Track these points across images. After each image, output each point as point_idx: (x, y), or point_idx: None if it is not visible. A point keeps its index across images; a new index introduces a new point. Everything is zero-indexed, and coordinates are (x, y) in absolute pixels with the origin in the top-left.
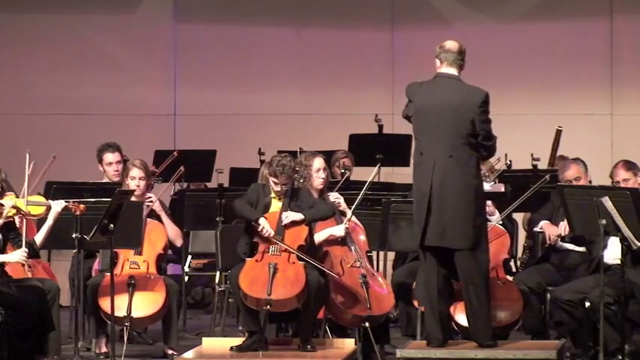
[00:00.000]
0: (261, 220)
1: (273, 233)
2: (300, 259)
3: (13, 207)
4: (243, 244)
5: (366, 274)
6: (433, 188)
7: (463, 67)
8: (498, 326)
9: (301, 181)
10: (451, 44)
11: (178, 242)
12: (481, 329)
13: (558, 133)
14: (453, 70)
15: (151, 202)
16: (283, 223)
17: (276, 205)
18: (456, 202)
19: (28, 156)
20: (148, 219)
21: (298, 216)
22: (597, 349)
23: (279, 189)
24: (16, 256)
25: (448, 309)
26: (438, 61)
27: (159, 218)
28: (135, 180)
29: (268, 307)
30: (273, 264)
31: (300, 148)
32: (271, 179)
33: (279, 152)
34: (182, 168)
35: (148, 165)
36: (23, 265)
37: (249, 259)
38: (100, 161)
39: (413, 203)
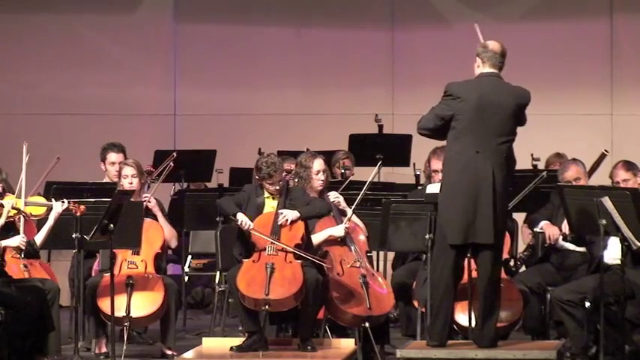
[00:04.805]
0: (239, 215)
1: (252, 225)
2: (298, 257)
3: (14, 208)
4: (238, 245)
5: (366, 274)
6: (488, 186)
7: (502, 69)
8: (498, 326)
9: (296, 180)
10: (494, 45)
11: (173, 243)
12: (489, 332)
13: (602, 156)
14: (495, 71)
15: (149, 201)
16: (280, 222)
17: (270, 204)
18: (500, 200)
19: (25, 147)
20: (145, 218)
21: (294, 214)
22: (597, 349)
23: (276, 187)
24: (16, 240)
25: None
26: (479, 60)
27: (155, 218)
28: (127, 178)
29: (267, 307)
30: (270, 264)
31: (307, 149)
32: (266, 182)
33: (261, 153)
34: (172, 164)
35: (140, 164)
36: (18, 255)
37: (246, 260)
38: (103, 160)
39: (444, 198)
